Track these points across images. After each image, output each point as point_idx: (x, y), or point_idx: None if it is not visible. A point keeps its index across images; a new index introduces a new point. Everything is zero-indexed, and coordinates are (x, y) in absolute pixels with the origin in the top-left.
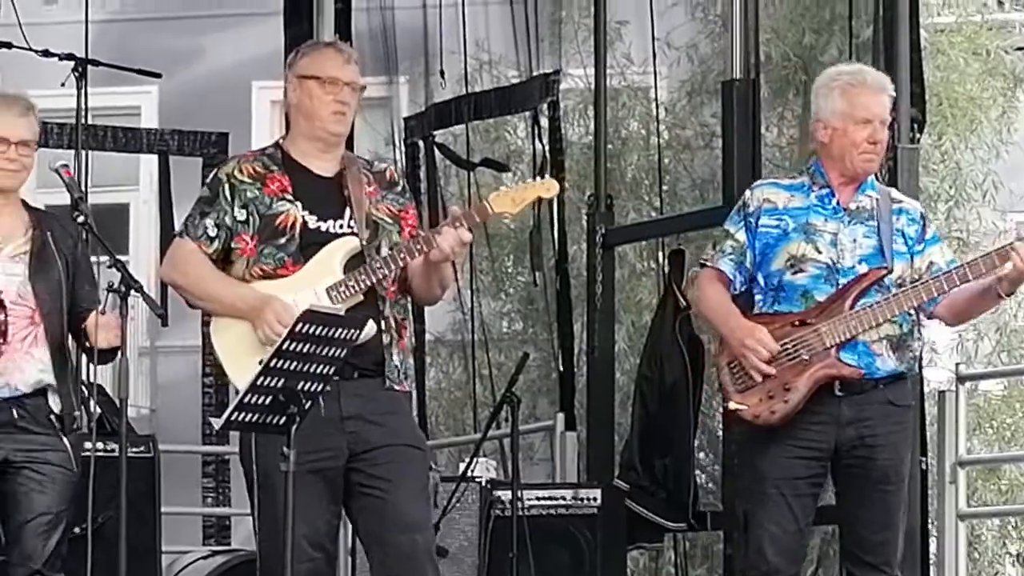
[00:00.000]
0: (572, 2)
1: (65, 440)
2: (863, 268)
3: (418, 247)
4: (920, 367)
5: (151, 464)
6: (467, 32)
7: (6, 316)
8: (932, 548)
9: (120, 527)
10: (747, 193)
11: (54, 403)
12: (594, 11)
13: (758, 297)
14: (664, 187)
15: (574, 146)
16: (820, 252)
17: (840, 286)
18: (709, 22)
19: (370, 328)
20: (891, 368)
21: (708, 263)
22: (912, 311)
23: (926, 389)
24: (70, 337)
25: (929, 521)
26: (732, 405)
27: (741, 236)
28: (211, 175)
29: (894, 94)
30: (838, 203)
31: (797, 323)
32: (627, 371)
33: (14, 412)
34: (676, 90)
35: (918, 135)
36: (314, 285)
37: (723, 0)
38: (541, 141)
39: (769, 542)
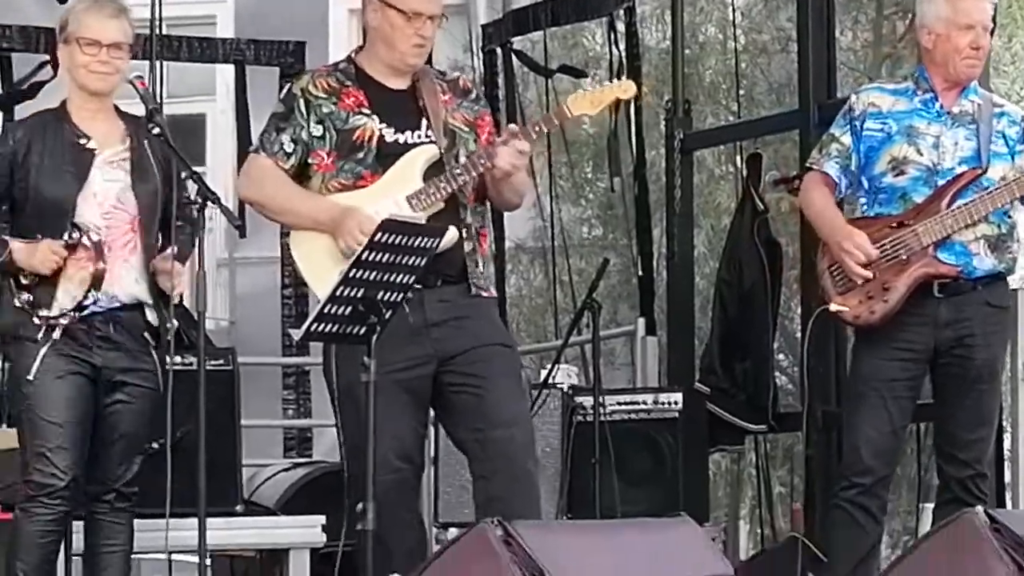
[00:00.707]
0: None
1: (155, 357)
2: (963, 170)
3: (482, 160)
4: None
5: (230, 377)
6: None
7: (92, 238)
8: (1006, 444)
9: (199, 441)
10: (852, 97)
11: (151, 316)
12: None
13: (861, 200)
14: (741, 91)
15: (651, 51)
16: (921, 154)
17: (937, 187)
18: None
19: (452, 235)
20: (989, 267)
21: (814, 166)
22: (1011, 213)
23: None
24: None
25: (1004, 418)
26: (833, 307)
27: (846, 139)
28: (285, 90)
29: (997, 0)
30: (941, 107)
31: (896, 225)
32: (706, 275)
33: (111, 327)
34: None
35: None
36: (394, 194)
37: None
38: (618, 47)
39: (865, 443)
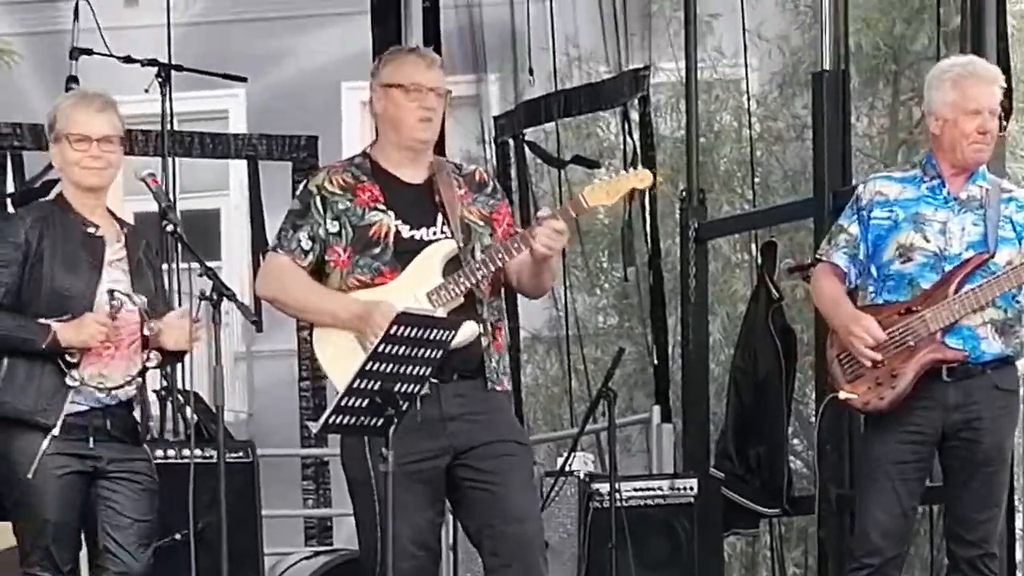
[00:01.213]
0: None
1: (147, 450)
2: (970, 255)
3: (515, 246)
4: None
5: (250, 469)
6: (556, 28)
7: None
8: (1018, 523)
9: (221, 532)
10: (860, 187)
11: (136, 413)
12: (685, 4)
13: (870, 288)
14: (756, 179)
15: (666, 140)
16: (928, 240)
17: (945, 273)
18: (800, 13)
19: (472, 331)
20: (997, 351)
21: (823, 257)
22: (1020, 298)
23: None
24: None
25: (1016, 497)
26: (842, 395)
27: (854, 229)
28: (301, 187)
29: (1004, 85)
30: (948, 192)
31: (903, 311)
32: (722, 362)
33: (107, 421)
34: (767, 82)
35: (1005, 122)
36: (414, 290)
37: None
38: (632, 136)
39: (874, 525)
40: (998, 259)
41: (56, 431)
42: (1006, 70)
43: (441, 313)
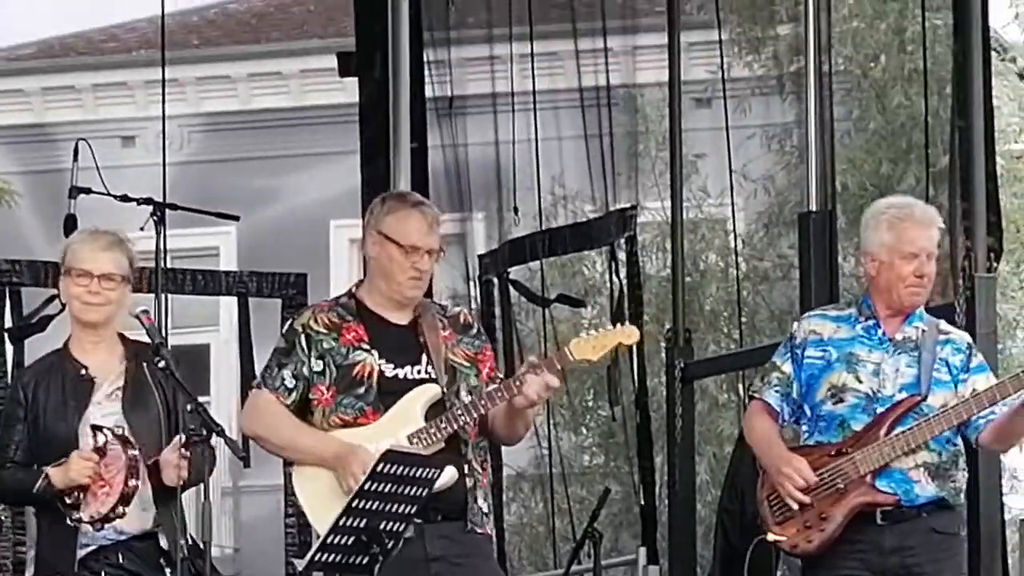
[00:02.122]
0: (648, 136)
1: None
2: (903, 396)
3: (499, 394)
4: (983, 497)
5: None
6: (541, 167)
7: (104, 449)
8: None
9: None
10: (795, 325)
11: (163, 542)
12: (670, 144)
13: (804, 428)
14: (743, 319)
15: (652, 279)
16: (861, 382)
17: (876, 414)
18: (785, 153)
19: (451, 474)
20: (931, 494)
21: (756, 395)
22: (956, 442)
23: (1007, 516)
24: None
25: None
26: (771, 536)
27: (787, 368)
28: (287, 326)
29: (943, 226)
30: (884, 334)
31: (834, 453)
32: (708, 503)
33: (120, 556)
34: (753, 221)
35: (995, 264)
36: (396, 433)
37: (799, 132)
38: (619, 275)
39: None
40: (932, 402)
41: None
42: (996, 211)
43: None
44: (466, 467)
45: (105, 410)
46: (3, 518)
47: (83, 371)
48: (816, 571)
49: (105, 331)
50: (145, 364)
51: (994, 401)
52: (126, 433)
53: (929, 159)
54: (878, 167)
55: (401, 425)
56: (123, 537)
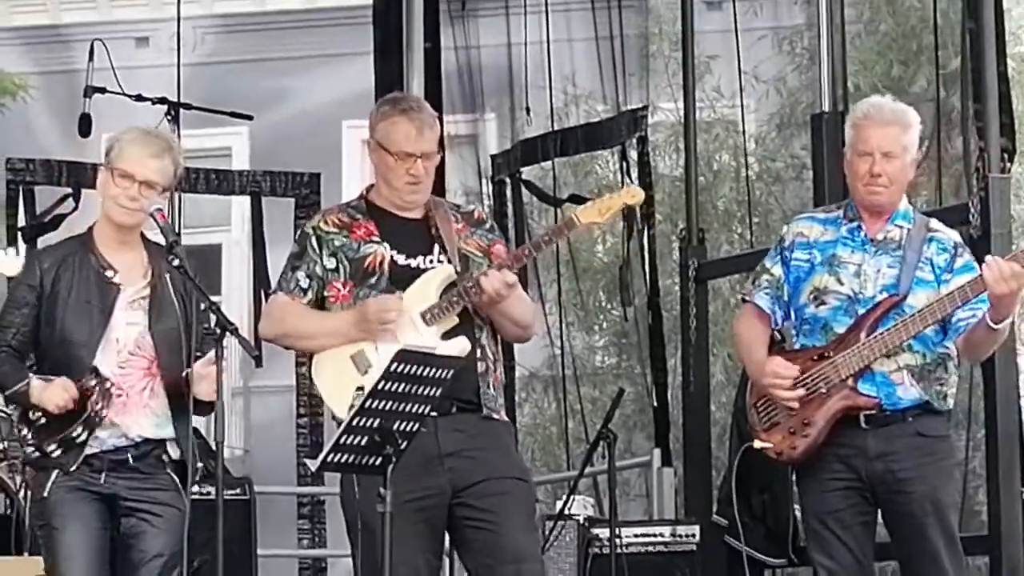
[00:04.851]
0: (661, 37)
1: (174, 477)
2: (883, 297)
3: (472, 289)
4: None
5: (247, 506)
6: (553, 68)
7: (102, 385)
8: None
9: (217, 571)
10: (784, 227)
11: (173, 452)
12: (683, 46)
13: (792, 332)
14: (755, 219)
15: (665, 179)
16: (842, 284)
17: (857, 316)
18: (796, 55)
19: (463, 346)
20: (915, 397)
21: (746, 297)
22: (946, 344)
23: None
24: None
25: None
26: (757, 444)
27: (776, 270)
28: (299, 231)
29: (913, 125)
30: (865, 235)
31: (817, 357)
32: (723, 404)
33: (128, 456)
34: (765, 123)
35: (1009, 164)
36: (409, 311)
37: (810, 33)
38: (630, 175)
39: None
40: (913, 302)
41: (74, 467)
42: (1008, 112)
43: (435, 332)
44: (479, 351)
45: (129, 318)
46: (9, 413)
47: (108, 272)
48: (805, 478)
49: (133, 233)
50: (168, 273)
51: (966, 299)
52: (134, 348)
53: (940, 61)
54: (889, 69)
55: (416, 305)
56: (130, 443)
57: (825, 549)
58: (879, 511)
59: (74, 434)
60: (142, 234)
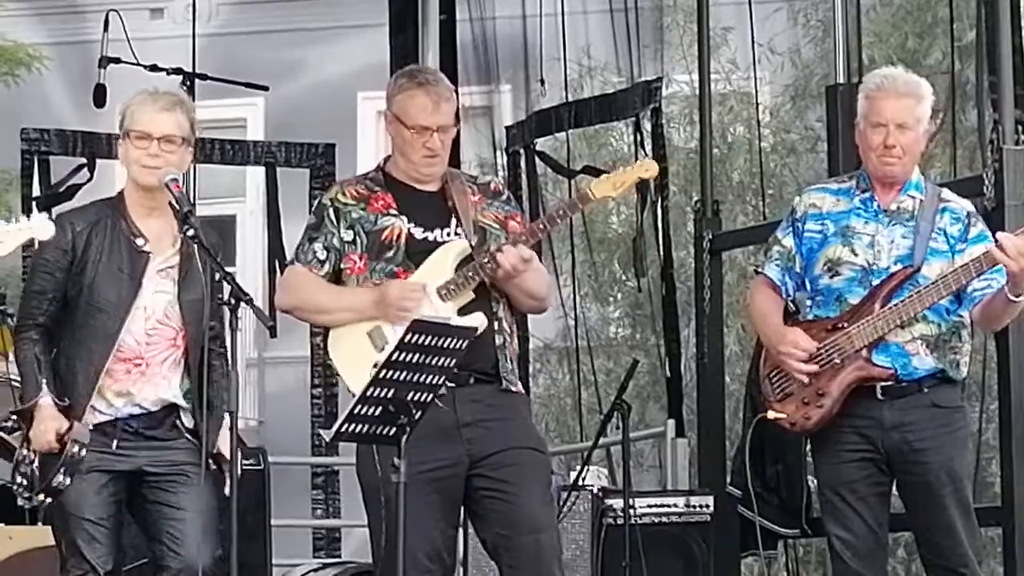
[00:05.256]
0: (676, 8)
1: (189, 438)
2: (897, 268)
3: (488, 264)
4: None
5: (261, 476)
6: (568, 40)
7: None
8: None
9: (231, 540)
10: (796, 199)
11: (187, 420)
12: (697, 17)
13: (807, 303)
14: (770, 191)
15: (679, 151)
16: (856, 255)
17: (872, 287)
18: (811, 27)
19: (480, 321)
20: (930, 367)
21: (760, 269)
22: (960, 313)
23: None
24: None
25: None
26: (771, 414)
27: (788, 242)
28: (316, 202)
29: (926, 97)
30: (878, 206)
31: (831, 328)
32: (737, 376)
33: (140, 422)
34: (780, 94)
35: (1022, 136)
36: (425, 286)
37: (825, 5)
38: (644, 147)
39: (843, 547)
40: (927, 272)
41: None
42: (1022, 84)
43: (452, 307)
44: (496, 324)
45: (158, 286)
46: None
47: (139, 240)
48: (820, 450)
49: (163, 196)
50: (196, 246)
51: (980, 270)
52: (163, 316)
53: (955, 33)
54: (904, 41)
55: (432, 279)
56: (142, 412)
57: (840, 520)
58: (894, 482)
59: (55, 483)
60: (171, 203)
